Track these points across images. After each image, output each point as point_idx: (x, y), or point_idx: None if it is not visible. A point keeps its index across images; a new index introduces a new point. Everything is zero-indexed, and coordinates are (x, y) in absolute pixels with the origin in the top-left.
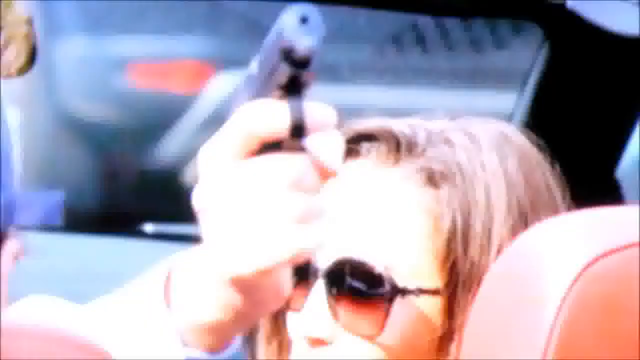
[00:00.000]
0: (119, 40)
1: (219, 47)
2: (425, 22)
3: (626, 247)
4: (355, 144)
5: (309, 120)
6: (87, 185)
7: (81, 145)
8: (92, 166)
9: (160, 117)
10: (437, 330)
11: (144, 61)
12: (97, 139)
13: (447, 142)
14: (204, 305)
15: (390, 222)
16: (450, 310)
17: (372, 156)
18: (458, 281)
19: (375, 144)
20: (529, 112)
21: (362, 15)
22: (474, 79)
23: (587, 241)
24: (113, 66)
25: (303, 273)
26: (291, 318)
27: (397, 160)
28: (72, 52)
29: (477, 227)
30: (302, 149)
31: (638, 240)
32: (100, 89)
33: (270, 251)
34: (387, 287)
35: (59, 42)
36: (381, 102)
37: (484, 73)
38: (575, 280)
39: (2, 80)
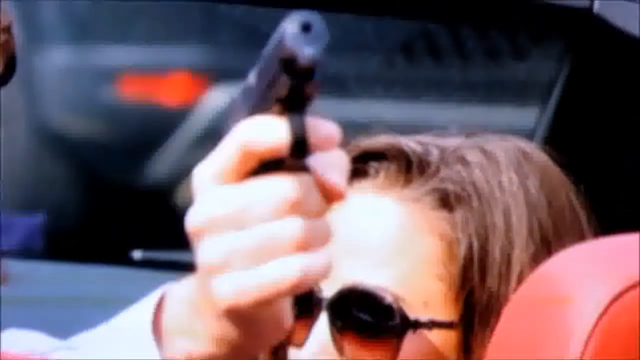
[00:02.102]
0: (106, 49)
1: (213, 56)
2: (438, 30)
3: None
4: (362, 163)
5: (312, 137)
6: (70, 207)
7: (64, 163)
8: (76, 186)
9: (150, 133)
10: None
11: (133, 72)
12: (81, 157)
13: (462, 160)
14: (196, 339)
15: (400, 248)
16: (467, 345)
17: (380, 176)
18: (475, 313)
19: (383, 163)
20: (551, 128)
21: (369, 23)
22: (491, 92)
23: (616, 270)
24: (100, 77)
25: (305, 304)
26: (292, 353)
27: (407, 181)
28: (55, 62)
29: (496, 253)
30: (304, 169)
31: None
32: (85, 102)
33: (269, 280)
34: (397, 319)
35: (41, 51)
36: (390, 117)
37: (501, 85)
38: (603, 313)
39: None
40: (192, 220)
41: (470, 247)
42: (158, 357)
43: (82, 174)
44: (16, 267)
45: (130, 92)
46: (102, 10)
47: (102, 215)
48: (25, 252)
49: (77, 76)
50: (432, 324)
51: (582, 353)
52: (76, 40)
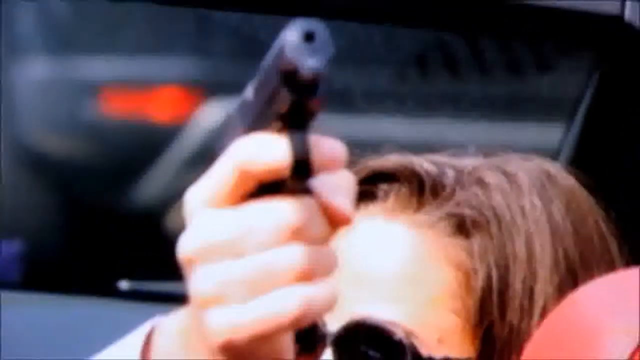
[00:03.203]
0: (89, 60)
1: (207, 68)
2: (455, 40)
3: None
4: (370, 185)
5: (315, 156)
6: (50, 233)
7: (43, 186)
8: (55, 211)
9: (137, 153)
10: None
11: (118, 86)
12: (62, 179)
13: (481, 183)
14: None
15: (412, 279)
16: None
17: (390, 200)
18: (494, 349)
19: (394, 186)
20: (578, 147)
21: (378, 32)
22: (513, 107)
23: None
24: (82, 92)
25: (308, 339)
26: None
27: (420, 205)
28: (32, 74)
29: (517, 285)
30: (306, 191)
31: None
32: (66, 118)
33: (269, 313)
34: (409, 357)
35: (16, 63)
36: (401, 135)
37: (524, 101)
38: (635, 352)
39: None
40: (184, 248)
41: (489, 278)
42: None
43: (63, 197)
44: None
45: (115, 107)
46: (84, 17)
47: (85, 242)
48: (1, 283)
49: (56, 90)
50: None
51: None
52: (55, 51)
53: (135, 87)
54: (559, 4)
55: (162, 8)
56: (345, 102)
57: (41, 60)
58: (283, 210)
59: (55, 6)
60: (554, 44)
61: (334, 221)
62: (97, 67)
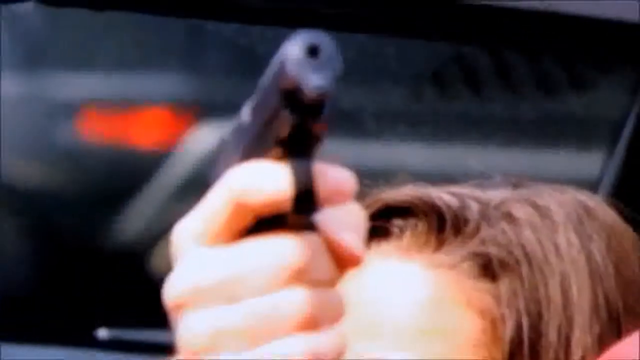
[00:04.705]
0: (65, 77)
1: (198, 87)
2: (476, 53)
3: None
4: (383, 220)
5: (320, 187)
6: (21, 274)
7: (13, 220)
8: (27, 248)
9: (119, 182)
10: None
11: (98, 106)
12: (34, 212)
13: (508, 218)
14: None
15: (431, 327)
16: None
17: (406, 237)
18: None
19: (410, 221)
20: (620, 176)
21: (391, 45)
22: (545, 132)
23: None
24: (57, 113)
25: None
26: None
27: (440, 243)
28: (3, 93)
29: (551, 334)
30: (310, 227)
31: None
32: (38, 143)
33: None
34: None
35: None
36: (417, 163)
37: (558, 124)
38: None
39: None
40: (172, 291)
41: (519, 326)
42: None
43: (35, 233)
44: None
45: (94, 131)
46: (58, 28)
47: (59, 284)
48: None
49: (26, 111)
50: None
51: None
52: (25, 66)
53: (116, 108)
54: (596, 12)
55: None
56: (354, 125)
57: (8, 76)
58: (284, 248)
59: (24, 14)
60: (591, 60)
61: (342, 261)
62: (73, 85)
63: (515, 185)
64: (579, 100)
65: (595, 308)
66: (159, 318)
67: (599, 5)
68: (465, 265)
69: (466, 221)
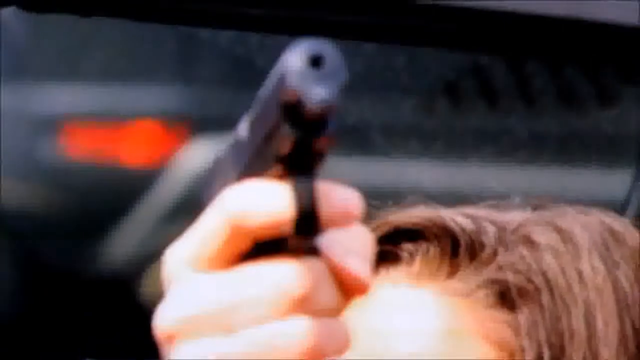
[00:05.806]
0: (48, 90)
1: (191, 100)
2: (493, 64)
3: None
4: (392, 244)
5: (324, 208)
6: (1, 302)
7: None
8: (8, 275)
9: (106, 202)
10: None
11: (84, 120)
12: (15, 235)
13: (528, 242)
14: None
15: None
16: None
17: (417, 262)
18: None
19: (421, 245)
20: None
21: (400, 55)
22: (568, 149)
23: None
24: (39, 128)
25: None
26: None
27: (454, 269)
28: None
29: None
30: (313, 252)
31: None
32: (20, 159)
33: None
34: None
35: None
36: (429, 182)
37: (582, 140)
38: None
39: None
40: (163, 321)
41: (539, 359)
42: None
43: (16, 258)
44: None
45: (80, 146)
46: (43, 37)
47: (43, 313)
48: None
49: (10, 126)
50: None
51: None
52: (7, 77)
53: (103, 122)
54: (623, 19)
55: (138, 25)
56: (360, 140)
57: None
58: (284, 274)
59: (4, 21)
60: (617, 70)
61: (347, 288)
62: (57, 97)
63: (536, 207)
64: (604, 114)
65: (622, 340)
66: (150, 350)
67: (627, 10)
68: (481, 293)
69: (482, 246)
